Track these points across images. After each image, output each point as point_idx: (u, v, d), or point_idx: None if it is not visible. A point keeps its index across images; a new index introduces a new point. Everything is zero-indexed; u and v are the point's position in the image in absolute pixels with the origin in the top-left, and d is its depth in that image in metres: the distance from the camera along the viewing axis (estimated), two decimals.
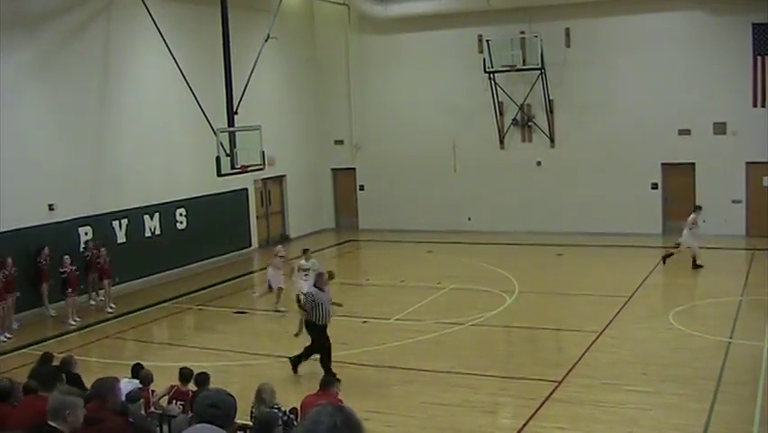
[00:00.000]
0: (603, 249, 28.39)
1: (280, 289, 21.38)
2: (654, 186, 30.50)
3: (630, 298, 21.21)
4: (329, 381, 11.55)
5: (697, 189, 29.72)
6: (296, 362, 15.94)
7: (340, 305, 18.63)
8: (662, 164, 30.29)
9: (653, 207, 30.54)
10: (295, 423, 10.04)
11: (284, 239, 31.73)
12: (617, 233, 29.80)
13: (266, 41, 25.43)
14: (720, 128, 29.16)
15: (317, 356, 15.59)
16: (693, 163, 29.74)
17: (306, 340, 16.21)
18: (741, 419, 13.05)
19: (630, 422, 12.99)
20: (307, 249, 21.21)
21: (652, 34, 29.67)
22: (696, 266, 24.53)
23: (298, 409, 10.87)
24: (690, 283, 23.44)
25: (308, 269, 19.74)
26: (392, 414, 13.69)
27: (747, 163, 29.12)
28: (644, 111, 29.79)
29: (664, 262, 24.89)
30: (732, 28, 28.42)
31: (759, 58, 28.04)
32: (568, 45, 30.84)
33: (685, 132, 29.65)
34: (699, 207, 25.41)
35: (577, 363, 16.06)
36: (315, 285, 16.17)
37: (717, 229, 28.36)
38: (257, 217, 31.50)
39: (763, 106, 28.17)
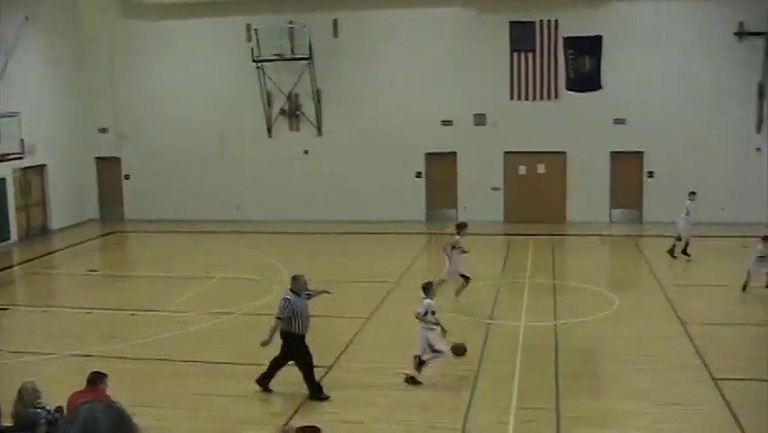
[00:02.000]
0: (370, 236, 29.07)
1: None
2: (419, 175, 31.50)
3: (397, 283, 21.84)
4: (96, 377, 11.09)
5: (459, 178, 31.02)
6: (265, 381, 14.17)
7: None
8: (426, 154, 31.33)
9: (418, 195, 31.55)
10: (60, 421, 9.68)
11: (45, 231, 30.28)
12: (383, 220, 30.57)
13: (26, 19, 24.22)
14: (480, 119, 30.54)
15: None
16: (455, 153, 30.97)
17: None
18: (501, 394, 13.77)
19: (397, 404, 13.40)
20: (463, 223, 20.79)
21: (417, 28, 30.60)
22: (678, 254, 24.60)
23: (64, 407, 10.49)
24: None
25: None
26: (163, 407, 13.46)
27: (505, 153, 30.67)
28: (409, 102, 30.70)
29: (674, 256, 24.57)
30: (491, 25, 29.80)
31: (516, 54, 29.54)
32: (336, 36, 31.27)
33: (447, 123, 30.83)
34: (694, 193, 25.10)
35: (346, 348, 16.39)
36: (291, 290, 14.31)
37: (478, 216, 29.68)
38: (16, 209, 29.85)
39: (519, 99, 29.68)
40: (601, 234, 28.94)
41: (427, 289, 15.11)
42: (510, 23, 29.18)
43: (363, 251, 27.02)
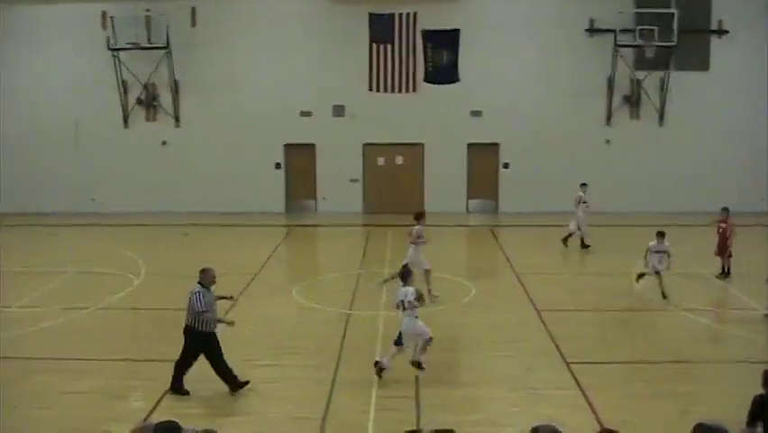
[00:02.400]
0: (229, 228, 28.77)
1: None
2: (278, 166, 31.35)
3: (256, 275, 21.70)
4: None
5: (318, 169, 31.04)
6: (178, 385, 13.55)
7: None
8: (285, 145, 31.21)
9: (277, 186, 31.41)
10: None
11: None
12: (242, 212, 30.31)
13: None
14: (339, 111, 30.64)
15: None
16: (314, 144, 30.96)
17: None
18: (362, 383, 13.85)
19: (259, 396, 13.32)
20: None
21: (277, 18, 30.45)
22: (584, 246, 25.15)
23: None
24: (311, 259, 24.43)
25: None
26: (17, 407, 12.95)
27: (364, 144, 30.86)
28: (268, 93, 30.53)
29: (566, 245, 25.21)
30: (351, 16, 29.92)
31: (375, 45, 29.70)
32: (193, 25, 30.76)
33: (306, 114, 30.79)
34: (585, 185, 25.65)
35: None
36: (200, 283, 13.57)
37: (337, 207, 29.86)
38: None
39: (378, 91, 29.87)
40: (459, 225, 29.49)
41: (405, 276, 14.90)
42: (370, 14, 29.31)
43: (222, 243, 26.69)
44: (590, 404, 13.05)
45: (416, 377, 14.13)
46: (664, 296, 18.90)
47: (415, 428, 8.66)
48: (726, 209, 21.45)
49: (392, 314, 17.89)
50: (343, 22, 30.17)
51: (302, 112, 30.82)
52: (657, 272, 19.00)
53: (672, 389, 13.86)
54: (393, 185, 31.10)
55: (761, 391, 10.49)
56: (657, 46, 29.45)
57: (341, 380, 14.08)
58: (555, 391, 13.65)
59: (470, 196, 31.62)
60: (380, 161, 31.26)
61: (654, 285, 19.37)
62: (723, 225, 21.29)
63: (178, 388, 13.50)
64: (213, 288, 13.77)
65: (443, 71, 29.92)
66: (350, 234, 27.99)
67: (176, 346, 13.77)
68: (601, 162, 30.54)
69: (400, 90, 29.89)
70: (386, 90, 29.87)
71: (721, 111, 30.57)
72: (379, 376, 13.99)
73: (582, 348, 15.90)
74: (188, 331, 13.49)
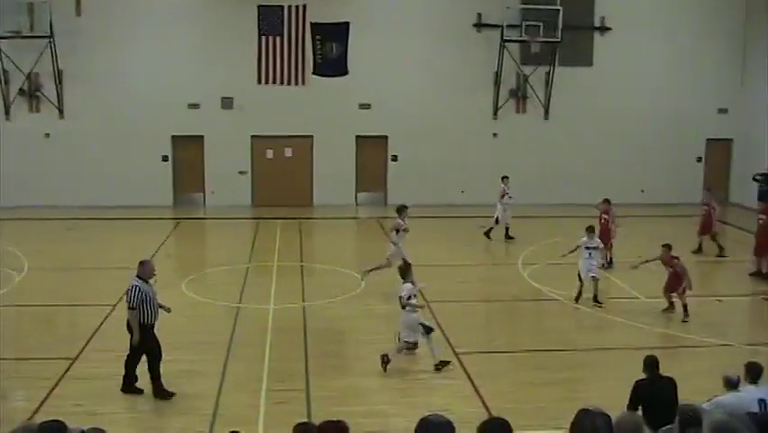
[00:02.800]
0: (115, 222, 28.17)
1: None
2: (165, 158, 30.86)
3: None
4: None
5: (206, 162, 30.67)
6: (130, 383, 13.26)
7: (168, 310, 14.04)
8: (173, 136, 30.73)
9: (165, 179, 30.91)
10: None
11: None
12: (129, 205, 29.73)
13: None
14: (228, 103, 30.33)
15: None
16: (202, 136, 30.57)
17: None
18: (252, 377, 13.81)
19: (149, 391, 13.13)
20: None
21: (164, 9, 29.92)
22: (508, 237, 25.21)
23: None
24: (200, 253, 24.18)
25: None
26: None
27: (253, 137, 30.65)
28: (156, 84, 29.98)
29: (489, 237, 25.23)
30: (240, 8, 29.58)
31: (264, 38, 29.50)
32: (78, 14, 29.91)
33: (194, 106, 30.38)
34: (506, 177, 25.68)
35: (91, 338, 15.84)
36: (138, 276, 13.34)
37: (226, 200, 29.60)
38: None
39: (267, 83, 29.71)
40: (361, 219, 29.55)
41: (405, 272, 15.02)
42: (259, 7, 29.08)
43: (108, 237, 26.10)
44: (478, 393, 13.31)
45: (306, 370, 14.16)
46: (596, 299, 18.55)
47: (305, 420, 8.68)
48: (607, 200, 22.09)
49: (284, 306, 17.94)
50: (232, 14, 29.84)
51: (190, 104, 30.37)
52: (594, 278, 18.56)
53: (557, 376, 14.24)
54: (282, 178, 30.96)
55: (642, 376, 10.89)
56: (543, 42, 30.08)
57: (230, 374, 14.00)
58: (444, 380, 13.86)
59: (358, 188, 31.74)
60: (269, 153, 31.09)
61: (540, 276, 19.79)
62: (605, 216, 21.91)
63: (129, 388, 13.23)
64: (152, 280, 13.52)
65: (333, 64, 29.94)
66: (239, 227, 27.76)
67: (61, 344, 13.47)
68: (488, 155, 31.04)
69: (289, 83, 29.79)
70: (275, 83, 29.72)
71: (604, 105, 31.41)
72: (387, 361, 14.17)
73: (470, 338, 16.19)
74: (128, 326, 13.22)
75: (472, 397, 13.18)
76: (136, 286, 13.12)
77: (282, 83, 29.76)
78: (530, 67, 31.14)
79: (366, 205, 31.46)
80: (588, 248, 18.75)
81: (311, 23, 29.56)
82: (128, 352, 13.23)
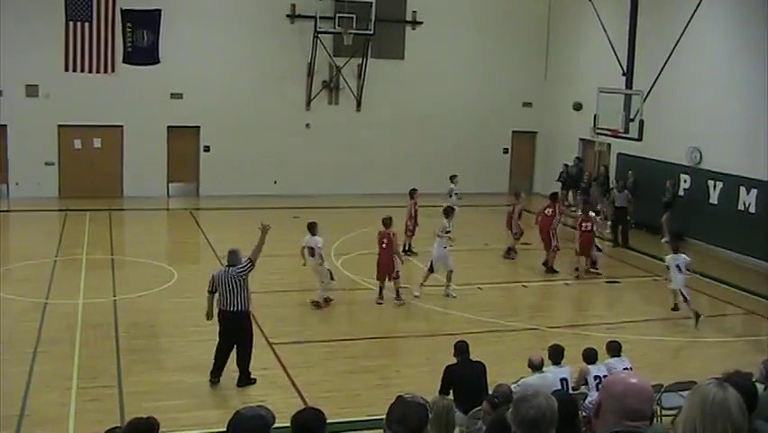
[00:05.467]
0: None
1: None
2: None
3: None
4: None
5: (10, 152, 29.29)
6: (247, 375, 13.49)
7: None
8: None
9: None
10: None
11: None
12: None
13: None
14: (33, 91, 29.08)
15: None
16: (5, 126, 29.22)
17: None
18: (60, 375, 13.45)
19: None
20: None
21: None
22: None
23: None
24: (4, 247, 23.10)
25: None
26: None
27: (59, 126, 29.55)
28: None
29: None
30: None
31: (71, 23, 28.53)
32: None
33: None
34: (455, 176, 25.42)
35: None
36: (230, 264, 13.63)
37: (31, 191, 28.49)
38: None
39: (74, 71, 28.77)
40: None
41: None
42: None
43: None
44: (294, 383, 13.47)
45: (118, 365, 13.93)
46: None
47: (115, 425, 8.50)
48: (414, 190, 22.74)
49: (95, 301, 17.51)
50: None
51: None
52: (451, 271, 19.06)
53: (371, 364, 14.59)
54: (91, 168, 30.00)
55: (453, 361, 11.34)
56: (355, 34, 30.43)
57: (37, 372, 13.57)
58: (260, 371, 13.92)
59: (170, 179, 31.20)
60: (77, 143, 30.04)
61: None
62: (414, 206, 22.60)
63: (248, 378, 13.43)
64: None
65: (144, 52, 29.33)
66: (45, 219, 26.76)
67: None
68: (301, 146, 31.22)
69: (98, 71, 28.97)
70: (83, 70, 28.82)
71: (415, 98, 32.14)
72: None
73: (284, 328, 16.35)
74: (247, 316, 13.59)
75: (288, 387, 13.33)
76: (244, 269, 13.33)
77: (91, 71, 28.90)
78: (343, 58, 31.46)
79: (178, 196, 30.97)
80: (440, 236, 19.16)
81: (121, 10, 28.84)
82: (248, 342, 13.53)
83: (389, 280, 18.29)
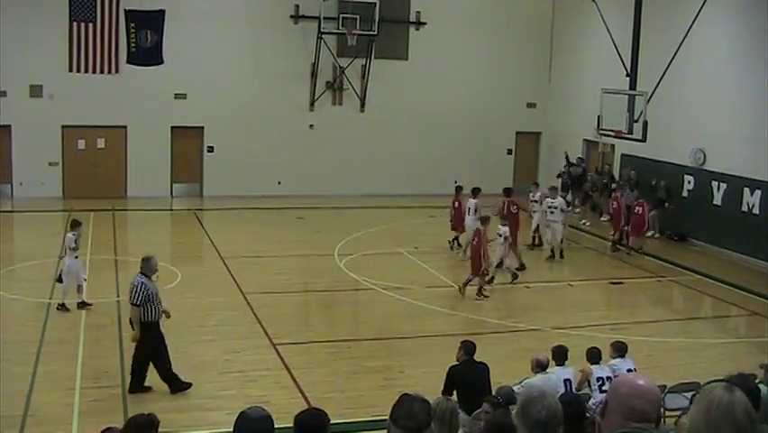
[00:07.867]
0: None
1: None
2: None
3: None
4: None
5: (14, 152, 29.30)
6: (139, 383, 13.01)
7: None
8: None
9: None
10: None
11: None
12: None
13: None
14: (37, 91, 29.10)
15: None
16: (9, 126, 29.23)
17: None
18: (64, 375, 13.44)
19: None
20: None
21: None
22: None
23: None
24: (7, 247, 23.12)
25: None
26: None
27: (63, 126, 29.57)
28: None
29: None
30: None
31: (76, 24, 28.55)
32: None
33: (1, 93, 29.00)
34: (536, 184, 26.60)
35: None
36: (142, 272, 13.17)
37: (35, 192, 28.50)
38: None
39: (78, 71, 28.78)
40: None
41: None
42: None
43: None
44: (297, 384, 13.46)
45: (122, 366, 13.91)
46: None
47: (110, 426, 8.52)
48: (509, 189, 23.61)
49: (98, 301, 17.50)
50: None
51: None
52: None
53: (375, 364, 14.58)
54: (95, 168, 30.02)
55: (455, 362, 11.33)
56: (359, 34, 30.42)
57: (41, 373, 13.57)
58: (263, 372, 13.94)
59: (174, 180, 31.20)
60: (81, 144, 30.07)
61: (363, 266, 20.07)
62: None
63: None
64: (154, 277, 13.32)
65: (147, 53, 29.36)
66: (49, 220, 26.76)
67: None
68: (305, 146, 31.22)
69: (102, 71, 28.99)
70: (87, 71, 28.86)
71: (419, 98, 32.11)
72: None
73: (288, 329, 16.33)
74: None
75: (291, 388, 13.32)
76: (142, 283, 12.95)
77: (95, 71, 28.94)
78: (347, 59, 31.45)
79: (182, 196, 30.97)
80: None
81: (125, 10, 28.86)
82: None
83: (478, 275, 18.56)
